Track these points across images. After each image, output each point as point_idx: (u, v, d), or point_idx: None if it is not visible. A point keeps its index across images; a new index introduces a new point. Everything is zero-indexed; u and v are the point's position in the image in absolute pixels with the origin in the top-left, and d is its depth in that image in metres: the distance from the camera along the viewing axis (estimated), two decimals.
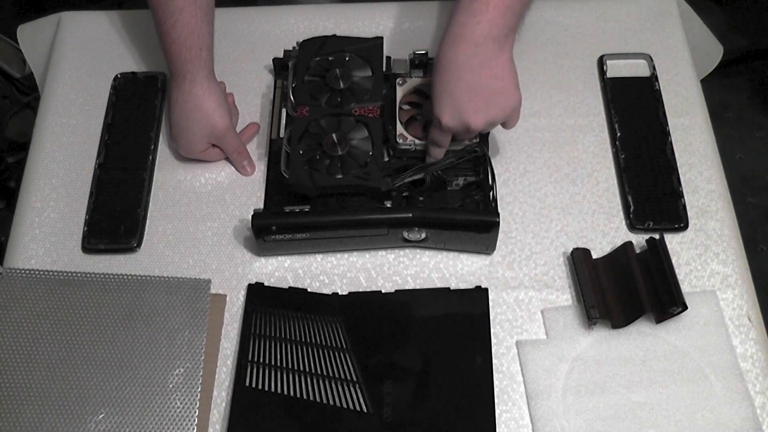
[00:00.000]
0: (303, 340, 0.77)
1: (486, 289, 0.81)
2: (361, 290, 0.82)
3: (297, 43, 0.90)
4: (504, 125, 0.79)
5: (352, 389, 0.75)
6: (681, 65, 0.96)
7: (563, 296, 0.81)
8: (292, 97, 0.85)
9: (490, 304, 0.80)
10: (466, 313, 0.79)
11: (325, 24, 1.00)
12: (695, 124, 0.91)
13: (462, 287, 0.81)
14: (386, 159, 0.83)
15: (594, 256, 0.82)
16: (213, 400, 0.76)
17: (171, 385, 0.75)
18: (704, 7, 1.05)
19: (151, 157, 0.90)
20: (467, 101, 0.75)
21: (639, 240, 0.82)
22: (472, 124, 0.76)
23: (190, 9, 0.84)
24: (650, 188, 0.86)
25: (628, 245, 0.80)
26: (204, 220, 0.86)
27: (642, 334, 0.78)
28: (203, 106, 0.84)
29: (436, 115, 0.77)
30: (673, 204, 0.85)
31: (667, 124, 0.91)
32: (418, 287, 0.82)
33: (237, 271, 0.83)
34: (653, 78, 0.94)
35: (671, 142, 0.89)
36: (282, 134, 0.86)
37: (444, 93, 0.76)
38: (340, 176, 0.80)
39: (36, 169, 0.90)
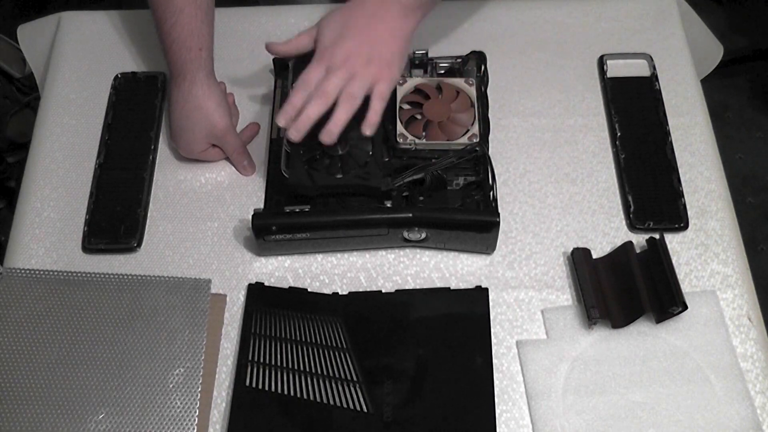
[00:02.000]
0: (303, 340, 0.77)
1: (486, 289, 0.81)
2: (361, 290, 0.82)
3: None
4: (373, 87, 0.78)
5: (352, 389, 0.75)
6: (681, 65, 0.96)
7: (563, 296, 0.81)
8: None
9: (490, 304, 0.80)
10: (467, 313, 0.79)
11: None
12: (695, 124, 0.91)
13: (462, 287, 0.81)
14: (386, 159, 0.83)
15: (594, 256, 0.82)
16: (213, 400, 0.76)
17: (171, 385, 0.75)
18: (704, 7, 1.05)
19: (151, 157, 0.90)
20: (356, 32, 0.78)
21: (639, 240, 0.82)
22: (352, 55, 0.77)
23: (189, 9, 0.84)
24: (650, 188, 0.86)
25: (628, 245, 0.80)
26: (204, 220, 0.86)
27: (642, 334, 0.78)
28: (203, 106, 0.84)
29: (320, 41, 0.79)
30: (673, 204, 0.85)
31: (667, 124, 0.91)
32: (418, 287, 0.82)
33: (237, 271, 0.83)
34: (653, 78, 0.94)
35: (671, 142, 0.89)
36: (282, 134, 0.86)
37: (337, 19, 0.79)
38: (340, 176, 0.80)
39: (36, 169, 0.90)
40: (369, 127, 0.78)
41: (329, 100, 0.77)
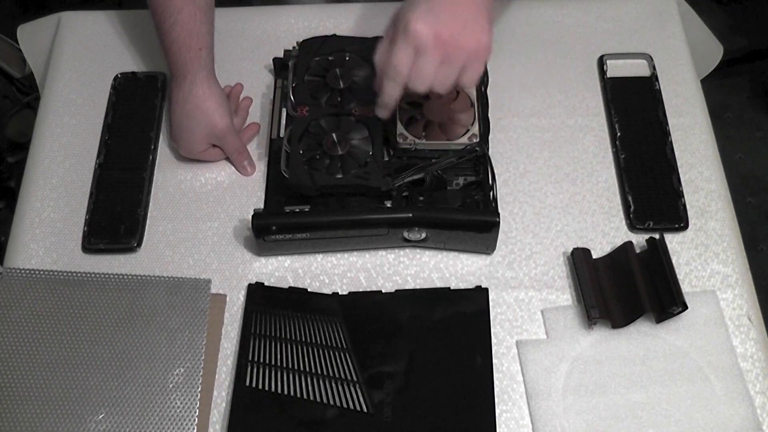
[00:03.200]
0: (303, 340, 0.77)
1: (486, 289, 0.81)
2: (361, 290, 0.82)
3: (297, 43, 0.90)
4: (464, 73, 0.71)
5: (352, 389, 0.75)
6: (681, 65, 0.96)
7: (563, 296, 0.81)
8: (292, 97, 0.85)
9: (490, 304, 0.80)
10: (467, 313, 0.79)
11: (325, 24, 1.00)
12: (695, 124, 0.91)
13: (462, 287, 0.81)
14: (386, 159, 0.83)
15: (594, 256, 0.82)
16: (213, 400, 0.76)
17: (171, 385, 0.75)
18: (704, 7, 1.05)
19: (151, 157, 0.90)
20: (445, 9, 0.68)
21: (639, 240, 0.82)
22: (444, 33, 0.67)
23: (188, 9, 0.84)
24: (650, 188, 0.86)
25: (628, 245, 0.80)
26: (204, 220, 0.86)
27: (642, 334, 0.78)
28: (203, 106, 0.84)
29: (405, 21, 0.68)
30: (673, 204, 0.85)
31: (667, 124, 0.91)
32: (418, 287, 0.82)
33: (237, 271, 0.83)
34: (653, 78, 0.94)
35: (671, 142, 0.89)
36: (282, 134, 0.86)
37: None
38: (339, 176, 0.80)
39: (36, 169, 0.90)
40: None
41: (427, 86, 0.71)
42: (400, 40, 0.69)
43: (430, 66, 0.69)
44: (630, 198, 0.86)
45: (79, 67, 0.98)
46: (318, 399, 0.74)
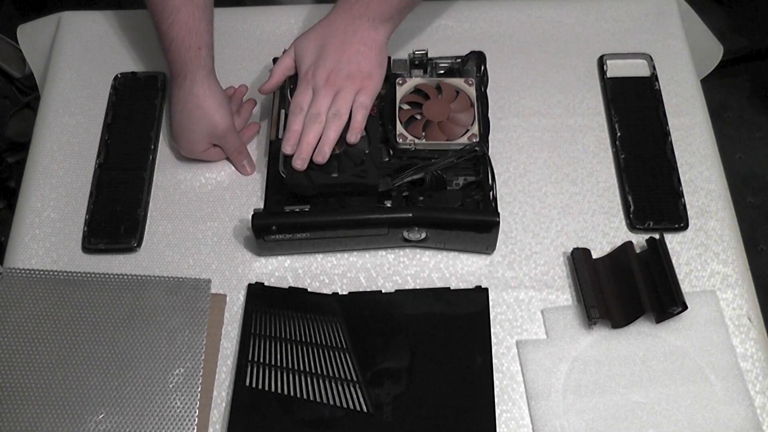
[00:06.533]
0: (303, 340, 0.77)
1: (486, 289, 0.81)
2: (361, 290, 0.82)
3: None
4: (356, 98, 0.81)
5: (352, 389, 0.75)
6: (681, 65, 0.96)
7: (563, 296, 0.81)
8: (290, 98, 0.85)
9: (490, 304, 0.80)
10: (466, 313, 0.79)
11: None
12: (695, 124, 0.91)
13: (462, 287, 0.81)
14: (386, 159, 0.83)
15: (594, 256, 0.82)
16: (213, 400, 0.76)
17: (171, 385, 0.75)
18: (704, 7, 1.05)
19: (151, 157, 0.90)
20: (332, 50, 0.82)
21: (639, 240, 0.82)
22: (333, 73, 0.81)
23: (186, 8, 0.84)
24: (650, 188, 0.86)
25: (628, 245, 0.80)
26: (204, 220, 0.86)
27: (642, 334, 0.78)
28: (204, 106, 0.84)
29: (304, 68, 0.83)
30: (673, 204, 0.85)
31: (667, 124, 0.91)
32: (418, 287, 0.82)
33: (237, 271, 0.83)
34: (653, 78, 0.94)
35: (671, 142, 0.89)
36: (281, 135, 0.86)
37: (312, 40, 0.83)
38: (336, 175, 0.80)
39: (36, 169, 0.90)
40: (353, 135, 0.81)
41: (322, 121, 0.80)
42: (301, 84, 0.82)
43: (325, 102, 0.81)
44: (630, 198, 0.86)
45: (79, 67, 0.98)
46: (318, 399, 0.74)
